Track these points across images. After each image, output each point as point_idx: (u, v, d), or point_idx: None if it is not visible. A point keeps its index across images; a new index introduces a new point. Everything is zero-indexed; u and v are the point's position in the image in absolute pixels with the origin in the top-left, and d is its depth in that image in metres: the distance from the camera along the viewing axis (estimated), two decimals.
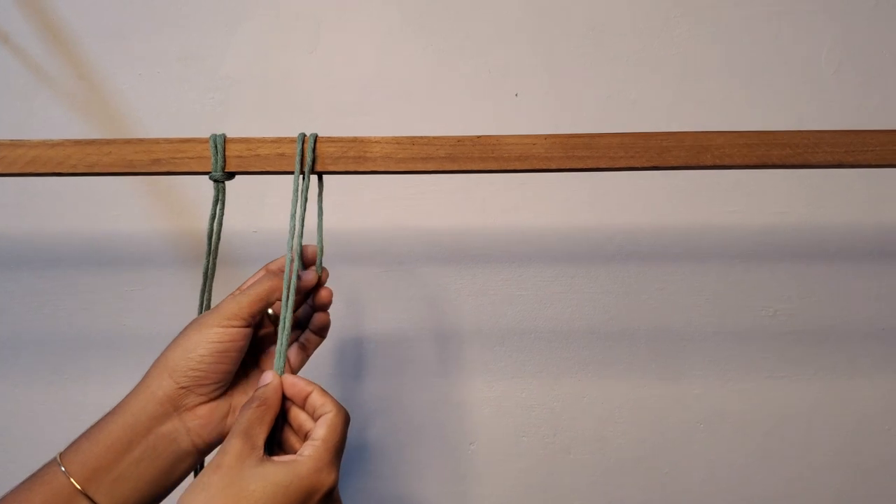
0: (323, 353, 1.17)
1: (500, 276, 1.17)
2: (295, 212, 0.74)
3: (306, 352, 0.77)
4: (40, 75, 1.12)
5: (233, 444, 0.62)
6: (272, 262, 0.76)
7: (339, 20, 1.12)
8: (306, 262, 0.76)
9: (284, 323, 0.71)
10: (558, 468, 1.23)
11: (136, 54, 1.12)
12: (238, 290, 0.74)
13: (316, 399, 0.67)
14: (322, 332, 0.78)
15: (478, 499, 1.23)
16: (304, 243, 0.75)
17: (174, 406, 0.68)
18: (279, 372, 0.70)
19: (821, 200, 1.15)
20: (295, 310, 0.74)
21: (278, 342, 0.71)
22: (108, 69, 1.12)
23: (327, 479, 0.62)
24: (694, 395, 1.20)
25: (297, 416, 0.69)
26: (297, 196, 0.74)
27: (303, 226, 0.74)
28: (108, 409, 0.70)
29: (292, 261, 0.73)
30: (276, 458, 0.63)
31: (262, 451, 0.63)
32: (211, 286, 0.78)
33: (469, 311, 1.18)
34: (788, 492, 1.23)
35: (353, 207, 1.15)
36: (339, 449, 0.65)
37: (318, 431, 0.64)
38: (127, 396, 0.70)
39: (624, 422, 1.21)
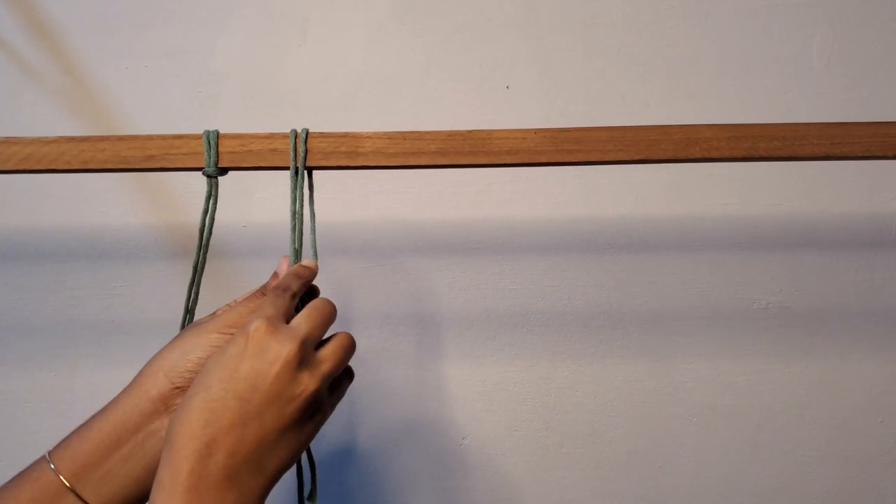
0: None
1: (492, 269, 1.17)
2: (294, 209, 0.75)
3: None
4: (26, 71, 1.11)
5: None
6: (269, 282, 0.77)
7: (328, 14, 1.12)
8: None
9: None
10: (551, 462, 1.23)
11: (124, 49, 1.12)
12: (234, 302, 0.75)
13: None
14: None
15: (470, 493, 1.24)
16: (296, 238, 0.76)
17: (165, 405, 0.69)
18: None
19: (813, 192, 1.15)
20: None
21: None
22: (96, 64, 1.12)
23: (254, 321, 0.64)
24: (686, 388, 1.21)
25: None
26: (294, 193, 0.75)
27: (302, 221, 0.76)
28: (95, 406, 0.70)
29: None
30: None
31: None
32: (200, 280, 0.79)
33: (460, 304, 1.18)
34: (780, 484, 1.24)
35: (343, 200, 1.15)
36: (268, 305, 0.67)
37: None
38: (119, 395, 0.70)
39: (616, 415, 1.22)
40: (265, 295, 0.72)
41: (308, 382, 0.63)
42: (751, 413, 1.22)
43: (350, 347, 0.69)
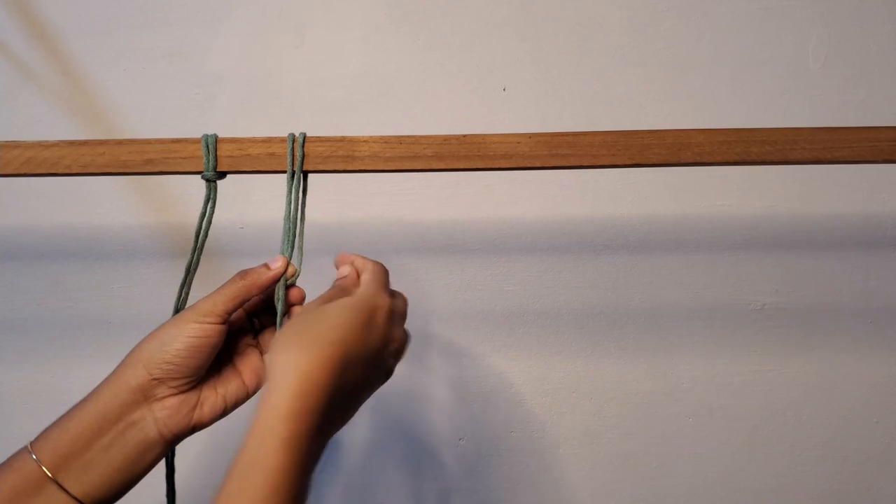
0: None
1: (489, 270, 1.18)
2: (289, 212, 0.76)
3: None
4: (24, 72, 1.12)
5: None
6: (253, 269, 0.78)
7: (326, 16, 1.12)
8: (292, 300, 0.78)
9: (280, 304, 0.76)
10: (547, 463, 1.23)
11: (121, 51, 1.12)
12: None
13: (357, 262, 0.78)
14: None
15: (467, 494, 1.24)
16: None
17: (145, 396, 0.69)
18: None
19: (808, 194, 1.15)
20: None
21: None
22: (93, 66, 1.13)
23: (383, 301, 0.71)
24: (682, 388, 1.21)
25: None
26: (290, 196, 0.76)
27: (296, 225, 0.77)
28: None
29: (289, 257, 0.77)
30: None
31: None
32: (191, 281, 0.79)
33: (457, 305, 1.18)
34: (777, 484, 1.24)
35: (342, 202, 1.15)
36: (384, 284, 0.75)
37: (364, 277, 0.74)
38: (99, 386, 0.71)
39: (613, 416, 1.22)
40: (243, 280, 0.74)
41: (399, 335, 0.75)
42: (747, 413, 1.22)
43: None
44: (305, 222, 0.79)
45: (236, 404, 0.76)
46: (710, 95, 1.13)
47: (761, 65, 1.13)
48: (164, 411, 0.70)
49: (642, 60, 1.13)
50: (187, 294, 0.79)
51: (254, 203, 1.15)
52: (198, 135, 0.76)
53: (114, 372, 0.71)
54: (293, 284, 0.77)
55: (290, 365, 0.61)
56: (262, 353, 0.79)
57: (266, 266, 0.76)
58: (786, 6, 1.11)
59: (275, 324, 0.76)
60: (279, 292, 0.75)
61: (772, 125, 0.75)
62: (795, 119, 1.13)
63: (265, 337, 0.80)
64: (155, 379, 0.69)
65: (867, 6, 1.12)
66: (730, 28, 1.12)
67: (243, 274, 0.75)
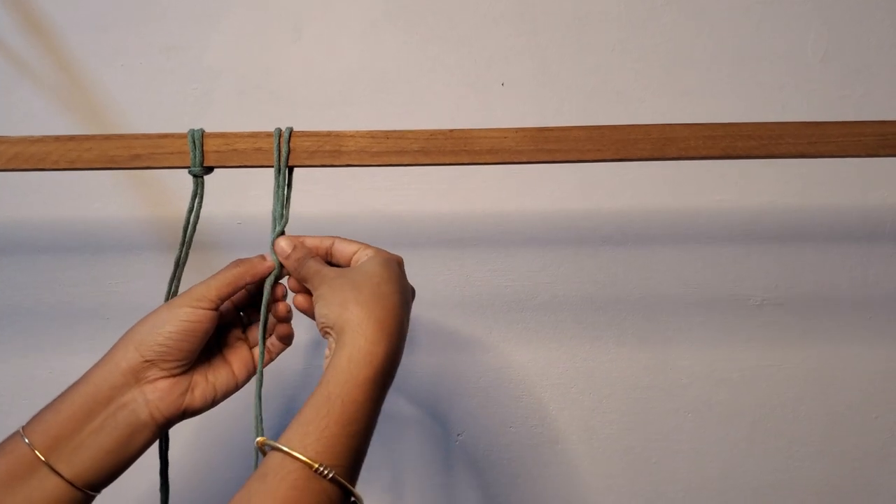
0: (307, 346, 1.18)
1: (488, 265, 1.17)
2: (276, 206, 0.76)
3: (270, 354, 0.81)
4: (21, 68, 1.12)
5: (319, 274, 0.73)
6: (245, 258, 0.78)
7: (322, 11, 1.12)
8: (279, 316, 0.79)
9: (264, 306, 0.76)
10: (546, 459, 1.23)
11: (118, 46, 1.12)
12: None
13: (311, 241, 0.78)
14: (284, 340, 0.81)
15: (465, 490, 1.24)
16: (285, 235, 0.77)
17: (136, 378, 0.70)
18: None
19: (808, 188, 1.15)
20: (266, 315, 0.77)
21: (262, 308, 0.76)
22: (90, 61, 1.12)
23: (394, 255, 0.78)
24: (681, 384, 1.21)
25: None
26: (278, 191, 0.76)
27: (282, 219, 0.77)
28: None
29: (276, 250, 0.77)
30: None
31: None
32: (181, 275, 0.80)
33: (456, 301, 1.18)
34: (775, 480, 1.24)
35: (339, 196, 1.15)
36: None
37: (354, 245, 0.78)
38: (91, 369, 0.72)
39: (612, 412, 1.22)
40: (238, 267, 0.75)
41: None
42: (746, 409, 1.22)
43: None
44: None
45: (226, 394, 0.77)
46: (709, 90, 1.13)
47: (760, 59, 1.12)
48: (156, 393, 0.71)
49: (641, 55, 1.12)
50: (177, 288, 0.80)
51: (251, 198, 1.15)
52: (186, 132, 0.77)
53: (105, 355, 0.72)
54: (281, 278, 0.77)
55: (364, 317, 0.67)
56: (250, 346, 0.80)
57: (262, 257, 0.77)
58: (784, 1, 1.11)
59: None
60: (268, 285, 0.76)
61: (770, 120, 0.75)
62: (793, 114, 1.13)
63: (253, 331, 0.80)
64: (146, 361, 0.70)
65: (866, 1, 1.11)
66: (728, 23, 1.12)
67: (239, 262, 0.76)
